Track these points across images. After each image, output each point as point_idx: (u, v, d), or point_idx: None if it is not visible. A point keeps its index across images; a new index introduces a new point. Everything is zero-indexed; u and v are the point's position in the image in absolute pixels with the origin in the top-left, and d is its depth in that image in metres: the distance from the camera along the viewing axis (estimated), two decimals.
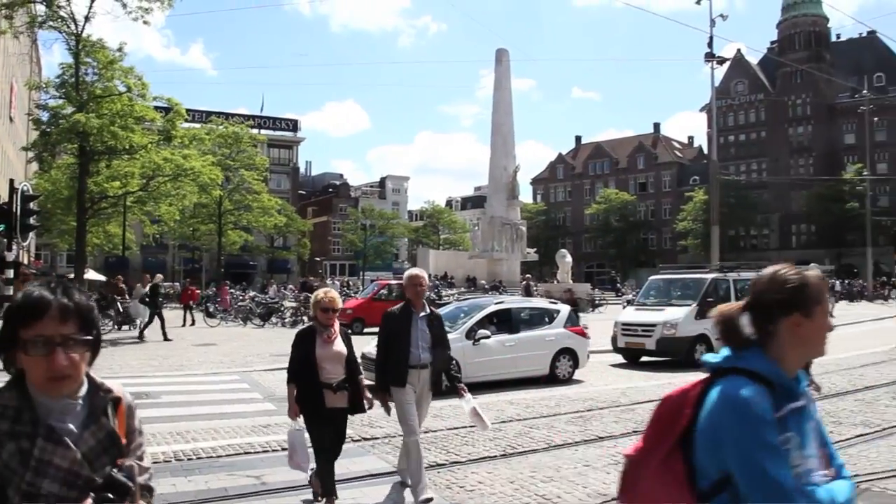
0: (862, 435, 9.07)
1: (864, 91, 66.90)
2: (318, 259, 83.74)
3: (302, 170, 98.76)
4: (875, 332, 25.05)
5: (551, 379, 14.33)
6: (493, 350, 13.74)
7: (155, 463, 5.72)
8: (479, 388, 12.96)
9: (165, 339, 22.38)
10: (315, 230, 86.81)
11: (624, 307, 27.51)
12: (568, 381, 14.49)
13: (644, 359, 17.47)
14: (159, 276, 26.37)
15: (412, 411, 6.63)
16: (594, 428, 9.76)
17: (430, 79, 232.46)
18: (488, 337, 13.64)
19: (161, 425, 9.77)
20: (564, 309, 15.61)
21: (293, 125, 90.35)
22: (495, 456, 8.30)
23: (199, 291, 36.73)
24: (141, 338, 22.69)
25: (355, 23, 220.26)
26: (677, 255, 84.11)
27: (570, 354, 14.81)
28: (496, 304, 15.14)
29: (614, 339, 17.91)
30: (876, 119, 71.60)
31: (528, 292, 37.04)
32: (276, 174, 79.33)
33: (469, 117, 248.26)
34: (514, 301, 16.60)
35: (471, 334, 13.53)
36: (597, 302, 43.33)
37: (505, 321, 14.51)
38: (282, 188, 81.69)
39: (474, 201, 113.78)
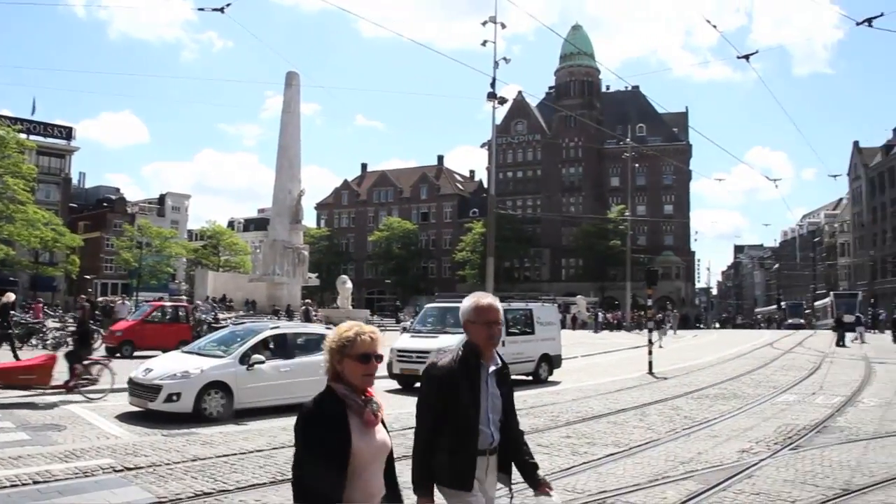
0: (612, 454, 9.78)
1: (628, 139, 72.81)
2: (87, 277, 78.53)
3: (75, 181, 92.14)
4: (630, 360, 27.08)
5: None
6: (268, 375, 13.39)
7: None
8: (253, 414, 12.79)
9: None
10: (86, 246, 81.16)
11: (402, 334, 27.98)
12: None
13: (418, 385, 17.84)
14: (10, 295, 23.40)
15: None
16: None
17: (213, 96, 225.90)
18: (262, 362, 13.28)
19: None
20: None
21: (67, 133, 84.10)
22: (265, 483, 8.14)
23: None
24: None
25: (135, 32, 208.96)
26: (456, 283, 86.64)
27: None
28: (272, 328, 14.76)
29: (390, 366, 18.07)
30: (637, 165, 78.09)
31: (307, 317, 36.86)
32: (44, 184, 73.38)
33: (252, 138, 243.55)
34: (289, 326, 16.22)
35: (244, 359, 13.14)
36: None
37: (280, 346, 14.18)
38: (51, 199, 75.72)
39: (257, 223, 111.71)
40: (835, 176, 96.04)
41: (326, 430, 3.15)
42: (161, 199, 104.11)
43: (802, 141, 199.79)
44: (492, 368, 4.05)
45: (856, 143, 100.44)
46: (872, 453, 9.86)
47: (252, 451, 9.70)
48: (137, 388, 12.89)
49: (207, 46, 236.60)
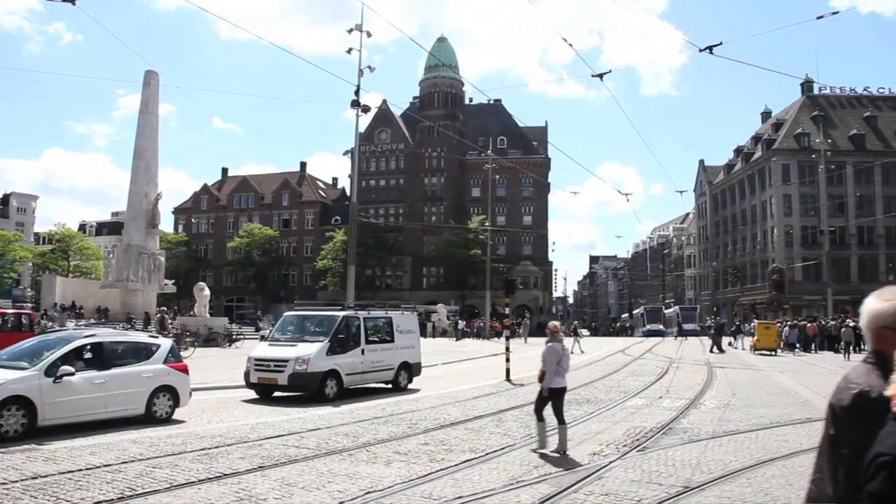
0: (469, 460, 9.93)
1: (489, 151, 74.42)
2: None
3: None
4: (489, 367, 27.51)
5: (148, 419, 13.20)
6: (80, 388, 12.27)
7: None
8: (62, 431, 11.75)
9: None
10: None
11: (261, 342, 27.50)
12: (168, 420, 13.50)
13: (277, 394, 17.58)
14: None
15: None
16: (220, 465, 9.65)
17: (61, 92, 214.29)
18: (72, 374, 12.17)
19: None
20: (165, 343, 14.69)
21: None
22: (112, 500, 7.79)
23: None
24: None
25: None
26: (317, 291, 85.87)
27: (169, 392, 13.79)
28: (86, 336, 13.57)
29: (247, 375, 17.70)
30: (497, 176, 79.76)
31: (162, 326, 35.67)
32: None
33: (104, 137, 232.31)
34: (107, 334, 14.79)
35: (52, 371, 11.95)
36: (235, 336, 42.74)
37: (97, 356, 13.04)
38: None
39: (111, 227, 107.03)
40: (681, 192, 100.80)
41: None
42: (4, 200, 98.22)
43: (651, 157, 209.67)
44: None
45: (701, 162, 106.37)
46: (711, 452, 10.44)
47: (99, 467, 9.25)
48: None
49: (55, 39, 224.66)
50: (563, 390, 10.83)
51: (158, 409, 13.55)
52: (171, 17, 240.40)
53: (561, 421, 10.60)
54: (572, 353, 33.97)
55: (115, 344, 13.86)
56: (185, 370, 14.36)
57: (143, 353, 13.85)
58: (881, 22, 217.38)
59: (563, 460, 9.89)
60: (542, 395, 10.67)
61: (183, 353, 29.57)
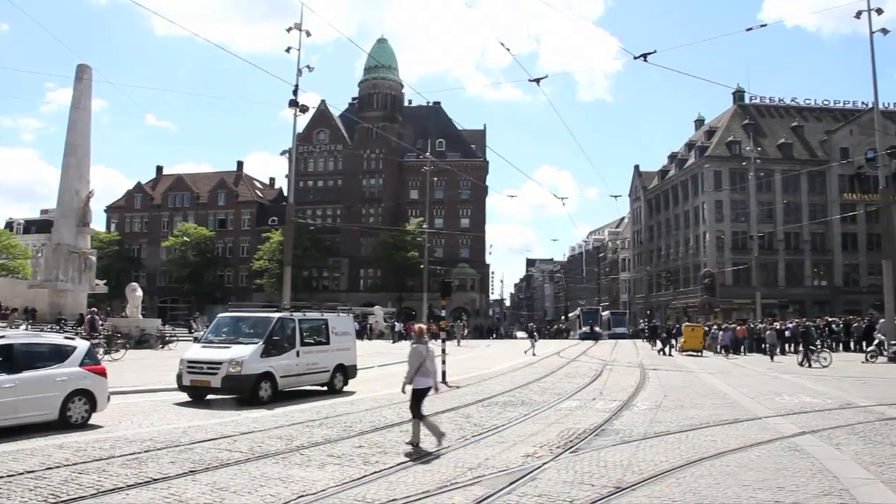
0: (403, 462, 9.90)
1: (428, 154, 74.50)
2: None
3: None
4: None
5: (62, 424, 12.69)
6: None
7: None
8: None
9: None
10: None
11: (194, 344, 27.04)
12: (84, 425, 12.98)
13: (210, 397, 17.31)
14: None
15: None
16: (149, 470, 9.45)
17: None
18: None
19: None
20: (82, 345, 14.15)
21: None
22: None
23: None
24: None
25: None
26: (253, 293, 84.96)
27: (86, 396, 13.27)
28: None
29: (179, 377, 17.37)
30: (436, 179, 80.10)
31: (92, 327, 34.83)
32: None
33: (32, 132, 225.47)
34: (18, 336, 14.37)
35: None
36: (168, 338, 41.94)
37: (7, 359, 12.44)
38: None
39: (40, 225, 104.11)
40: (616, 196, 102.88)
41: None
42: None
43: (587, 162, 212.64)
44: None
45: (636, 167, 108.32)
46: (642, 452, 10.61)
47: (22, 473, 8.97)
48: None
49: None
50: (426, 390, 11.42)
51: (73, 414, 13.06)
52: (103, 10, 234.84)
53: (418, 417, 11.23)
54: (525, 353, 35.02)
55: (26, 346, 13.24)
56: (102, 373, 13.87)
57: (57, 355, 13.28)
58: (805, 36, 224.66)
59: (497, 462, 9.93)
60: (414, 394, 11.34)
61: (114, 356, 29.11)
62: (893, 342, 33.62)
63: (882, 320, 38.05)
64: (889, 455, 10.33)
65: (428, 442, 11.21)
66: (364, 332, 57.50)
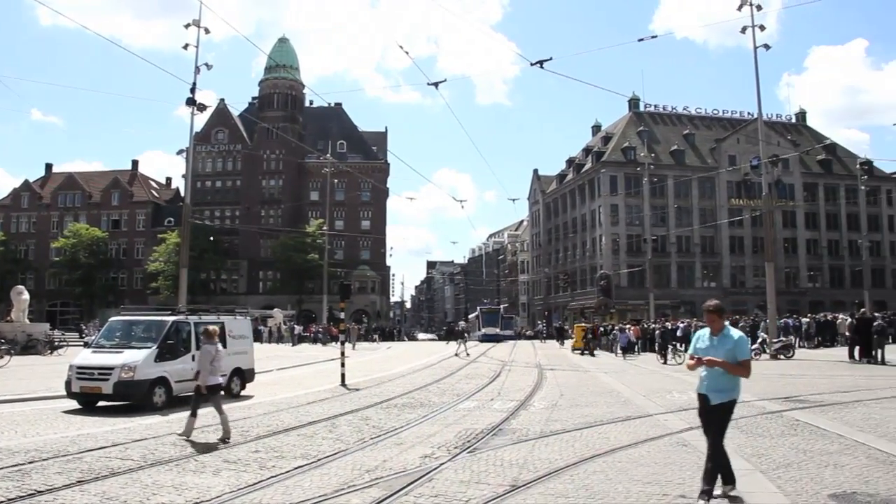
0: (300, 466, 9.81)
1: (328, 155, 74.10)
2: None
3: None
4: (324, 372, 27.35)
5: None
6: None
7: None
8: None
9: None
10: None
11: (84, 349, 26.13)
12: None
13: (101, 403, 16.77)
14: None
15: None
16: (34, 482, 9.08)
17: None
18: None
19: None
20: None
21: None
22: None
23: None
24: None
25: None
26: (148, 296, 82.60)
27: None
28: None
29: (68, 384, 16.75)
30: (336, 181, 79.66)
31: None
32: None
33: None
34: None
35: None
36: (57, 343, 40.39)
37: None
38: None
39: None
40: (514, 199, 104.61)
41: None
42: None
43: (485, 165, 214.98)
44: None
45: (535, 171, 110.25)
46: (538, 451, 10.82)
47: None
48: None
49: None
50: (218, 386, 12.44)
51: None
52: None
53: (220, 412, 12.15)
54: (456, 355, 35.23)
55: None
56: None
57: None
58: (693, 47, 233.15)
59: (395, 464, 9.97)
60: (200, 392, 12.24)
61: None
62: (775, 341, 35.23)
63: (766, 320, 39.84)
64: (768, 447, 10.84)
65: (327, 445, 11.16)
66: (263, 335, 56.72)
